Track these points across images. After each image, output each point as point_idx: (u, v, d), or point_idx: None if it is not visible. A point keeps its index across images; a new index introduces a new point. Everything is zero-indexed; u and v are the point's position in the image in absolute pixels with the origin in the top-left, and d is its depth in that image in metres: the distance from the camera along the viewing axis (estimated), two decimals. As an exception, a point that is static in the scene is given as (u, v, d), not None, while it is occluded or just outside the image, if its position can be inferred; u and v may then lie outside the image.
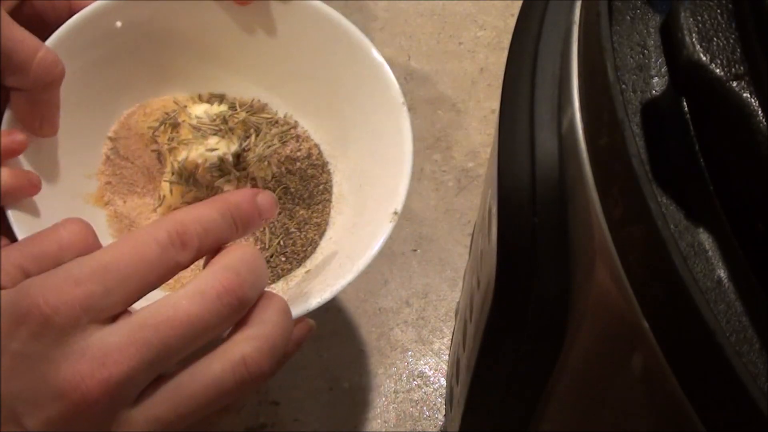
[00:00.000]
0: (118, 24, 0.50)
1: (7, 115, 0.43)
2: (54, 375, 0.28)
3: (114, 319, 0.30)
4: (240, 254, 0.33)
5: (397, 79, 0.76)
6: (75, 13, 0.48)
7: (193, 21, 0.52)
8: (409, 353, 0.60)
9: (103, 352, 0.29)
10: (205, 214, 0.34)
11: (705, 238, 0.23)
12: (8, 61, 0.41)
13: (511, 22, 0.57)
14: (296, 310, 0.39)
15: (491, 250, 0.30)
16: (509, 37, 0.31)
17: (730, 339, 0.21)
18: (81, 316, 0.29)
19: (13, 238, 0.40)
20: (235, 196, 0.36)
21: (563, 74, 0.28)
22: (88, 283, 0.30)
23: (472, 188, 0.68)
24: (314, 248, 0.51)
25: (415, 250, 0.65)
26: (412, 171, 0.47)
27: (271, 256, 0.50)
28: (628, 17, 0.27)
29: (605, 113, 0.24)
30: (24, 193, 0.42)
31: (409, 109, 0.75)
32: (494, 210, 0.29)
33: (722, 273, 0.22)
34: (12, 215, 0.41)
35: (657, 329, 0.22)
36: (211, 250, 0.34)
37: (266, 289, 0.36)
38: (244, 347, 0.32)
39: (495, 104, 0.73)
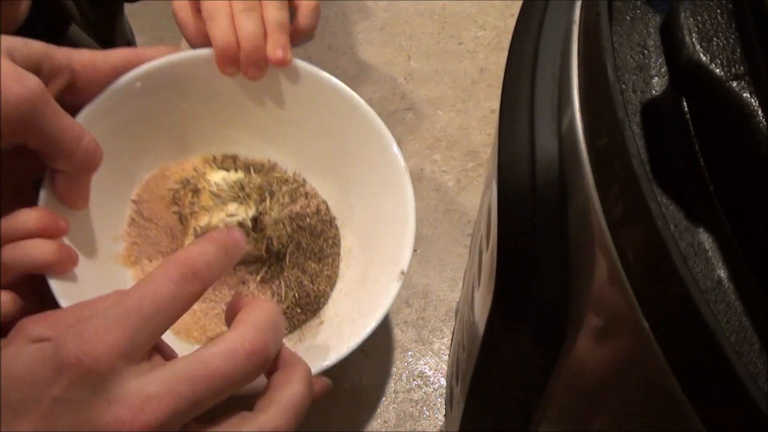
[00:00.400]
0: (138, 84, 0.53)
1: (43, 193, 0.48)
2: (96, 419, 0.31)
3: (149, 355, 0.34)
4: (264, 313, 0.37)
5: (397, 79, 0.76)
6: (118, 75, 0.52)
7: (208, 86, 0.56)
8: (409, 353, 0.60)
9: (142, 400, 0.32)
10: (205, 248, 0.38)
11: (705, 238, 0.23)
12: (56, 148, 0.45)
13: (511, 22, 0.57)
14: (315, 368, 0.43)
15: (491, 250, 0.30)
16: (509, 37, 0.31)
17: (730, 339, 0.21)
18: (116, 362, 0.32)
19: (53, 303, 0.44)
20: (218, 233, 0.40)
21: (563, 74, 0.28)
22: (117, 329, 0.33)
23: (472, 188, 0.68)
24: (326, 300, 0.54)
25: (415, 250, 0.65)
26: (415, 230, 0.50)
27: (287, 308, 0.53)
28: (628, 17, 0.27)
29: (605, 113, 0.24)
30: (65, 267, 0.46)
31: (409, 109, 0.76)
32: (494, 210, 0.29)
33: (722, 273, 0.22)
34: (53, 284, 0.44)
35: (657, 329, 0.22)
36: (215, 279, 0.38)
37: (284, 339, 0.40)
38: (276, 418, 0.35)
39: (495, 104, 0.73)
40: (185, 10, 0.58)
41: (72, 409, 0.32)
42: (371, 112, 0.55)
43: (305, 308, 0.54)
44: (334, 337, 0.49)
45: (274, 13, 0.55)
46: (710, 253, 0.23)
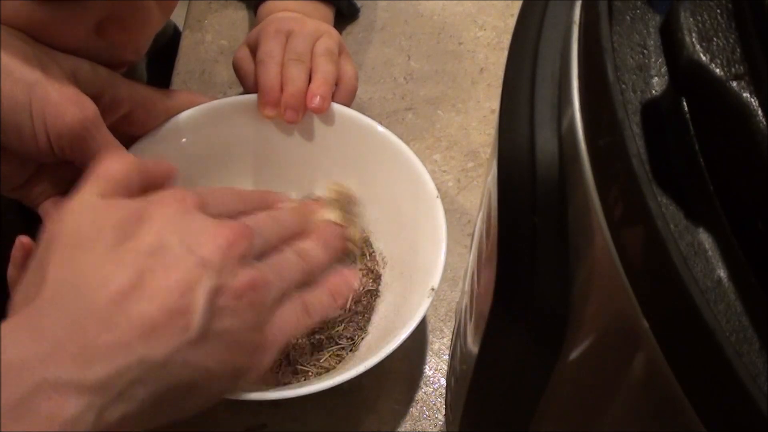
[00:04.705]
0: (183, 140, 0.58)
1: None
2: (239, 276, 0.40)
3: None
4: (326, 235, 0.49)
5: (397, 79, 0.76)
6: (171, 114, 0.57)
7: (249, 130, 0.61)
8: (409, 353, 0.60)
9: (264, 270, 0.42)
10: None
11: (705, 238, 0.23)
12: None
13: (511, 22, 0.57)
14: (347, 375, 0.48)
15: (491, 249, 0.30)
16: (509, 37, 0.31)
17: (730, 339, 0.21)
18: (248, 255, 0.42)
19: None
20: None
21: (563, 74, 0.28)
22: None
23: (472, 188, 0.68)
24: (362, 334, 0.57)
25: (415, 250, 0.65)
26: (446, 252, 0.53)
27: (323, 342, 0.56)
28: (628, 17, 0.27)
29: (605, 113, 0.24)
30: None
31: (409, 109, 0.75)
32: (494, 210, 0.29)
33: (722, 273, 0.22)
34: None
35: (657, 329, 0.22)
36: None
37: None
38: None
39: (495, 104, 0.73)
40: (247, 63, 0.63)
41: (226, 269, 0.40)
42: (400, 144, 0.58)
43: (341, 342, 0.56)
44: (367, 353, 0.52)
45: (322, 67, 0.60)
46: (710, 253, 0.23)
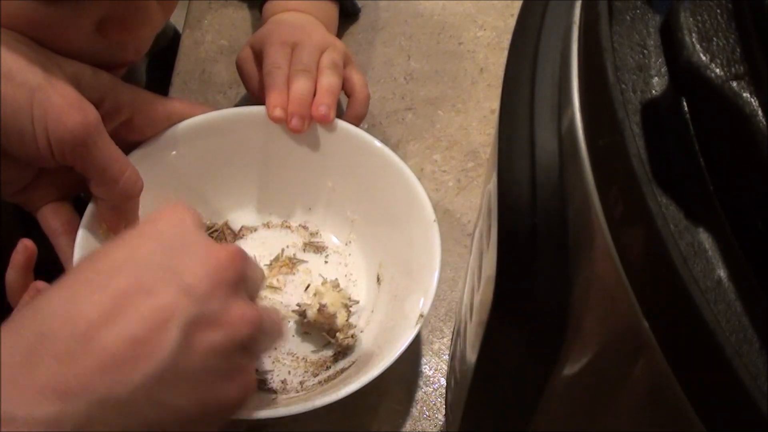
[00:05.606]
0: (176, 152, 0.58)
1: (89, 210, 0.52)
2: (232, 308, 0.38)
3: None
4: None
5: (397, 79, 0.76)
6: (172, 122, 0.57)
7: (253, 142, 0.61)
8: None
9: (259, 311, 0.39)
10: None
11: (705, 238, 0.23)
12: (101, 176, 0.49)
13: (511, 22, 0.57)
14: (329, 398, 0.48)
15: (491, 250, 0.30)
16: (509, 37, 0.31)
17: (730, 339, 0.21)
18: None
19: None
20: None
21: (563, 74, 0.28)
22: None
23: (472, 188, 0.68)
24: (351, 350, 0.57)
25: (415, 250, 0.65)
26: (438, 277, 0.52)
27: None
28: (628, 17, 0.27)
29: (605, 113, 0.24)
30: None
31: (409, 109, 0.75)
32: (494, 210, 0.29)
33: (722, 273, 0.22)
34: None
35: (657, 329, 0.22)
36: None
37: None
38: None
39: (495, 104, 0.73)
40: (250, 63, 0.63)
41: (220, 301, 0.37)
42: (403, 165, 0.58)
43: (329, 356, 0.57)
44: (351, 375, 0.52)
45: (327, 79, 0.61)
46: (710, 253, 0.23)
